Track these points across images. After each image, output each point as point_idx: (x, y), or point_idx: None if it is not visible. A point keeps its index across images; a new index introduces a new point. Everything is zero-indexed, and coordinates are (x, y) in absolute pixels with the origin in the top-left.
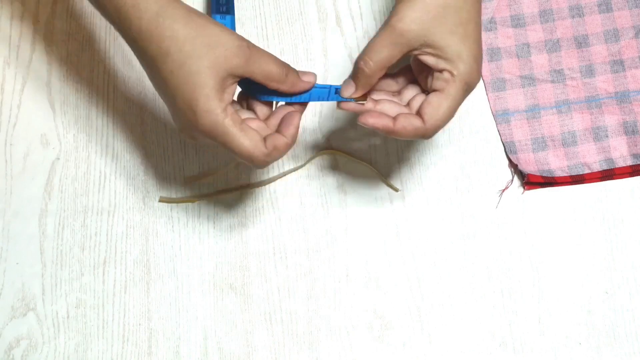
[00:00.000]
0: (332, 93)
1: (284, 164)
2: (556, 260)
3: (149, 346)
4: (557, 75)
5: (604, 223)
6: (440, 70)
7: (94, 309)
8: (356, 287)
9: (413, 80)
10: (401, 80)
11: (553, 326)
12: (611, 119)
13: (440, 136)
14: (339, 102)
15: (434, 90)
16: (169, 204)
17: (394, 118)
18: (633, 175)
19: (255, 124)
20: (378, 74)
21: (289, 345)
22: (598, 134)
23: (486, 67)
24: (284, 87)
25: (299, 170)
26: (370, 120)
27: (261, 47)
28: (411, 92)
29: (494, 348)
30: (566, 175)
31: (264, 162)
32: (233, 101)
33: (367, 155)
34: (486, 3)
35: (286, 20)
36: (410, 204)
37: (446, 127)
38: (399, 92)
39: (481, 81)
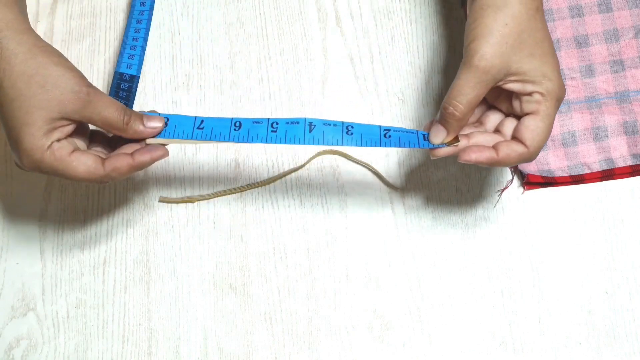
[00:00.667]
0: (421, 140)
1: (284, 164)
2: (556, 260)
3: (149, 346)
4: None
5: (604, 223)
6: (529, 93)
7: (94, 309)
8: (356, 287)
9: (489, 107)
10: (478, 110)
11: (553, 326)
12: (611, 119)
13: None
14: (432, 150)
15: (527, 114)
16: (169, 204)
17: (494, 148)
18: (633, 175)
19: (97, 149)
20: (468, 116)
21: (289, 345)
22: (598, 134)
23: None
24: (126, 135)
25: (299, 170)
26: (473, 156)
27: (261, 47)
28: (494, 118)
29: (494, 348)
30: (566, 175)
31: (103, 182)
32: (76, 135)
33: (367, 156)
34: None
35: (286, 20)
36: (410, 204)
37: None
38: (479, 122)
39: None
